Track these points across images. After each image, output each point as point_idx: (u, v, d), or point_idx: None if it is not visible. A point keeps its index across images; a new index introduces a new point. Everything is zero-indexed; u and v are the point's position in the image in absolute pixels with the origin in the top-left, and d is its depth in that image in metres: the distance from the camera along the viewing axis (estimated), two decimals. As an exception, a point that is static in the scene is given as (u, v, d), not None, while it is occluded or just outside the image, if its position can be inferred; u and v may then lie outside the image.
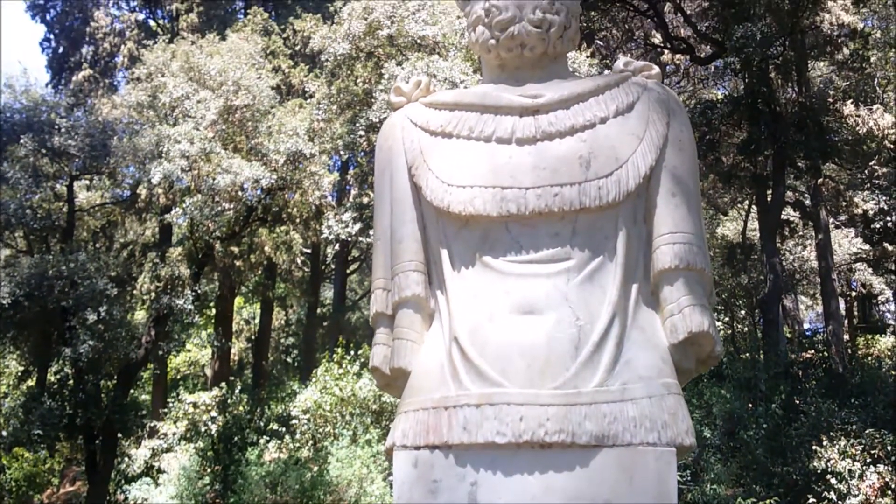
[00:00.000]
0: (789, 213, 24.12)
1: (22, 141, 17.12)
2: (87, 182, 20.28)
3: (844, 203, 22.96)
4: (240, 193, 17.44)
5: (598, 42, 21.55)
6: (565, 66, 3.07)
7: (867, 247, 24.58)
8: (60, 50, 28.31)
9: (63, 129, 17.28)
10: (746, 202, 25.81)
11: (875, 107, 19.81)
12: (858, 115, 19.17)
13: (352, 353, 17.41)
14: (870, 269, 26.48)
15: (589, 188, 2.67)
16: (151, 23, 29.02)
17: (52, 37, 28.55)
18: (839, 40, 19.97)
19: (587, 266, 2.68)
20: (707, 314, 2.70)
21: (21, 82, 20.85)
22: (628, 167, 2.72)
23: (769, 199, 19.64)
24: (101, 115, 19.94)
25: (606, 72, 3.34)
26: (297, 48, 26.00)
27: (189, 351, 31.15)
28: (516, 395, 2.52)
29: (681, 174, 2.82)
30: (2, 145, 17.77)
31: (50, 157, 17.83)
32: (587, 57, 16.94)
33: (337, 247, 24.16)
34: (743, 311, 29.21)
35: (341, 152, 20.05)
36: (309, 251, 27.70)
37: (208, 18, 26.98)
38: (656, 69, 3.06)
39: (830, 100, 20.00)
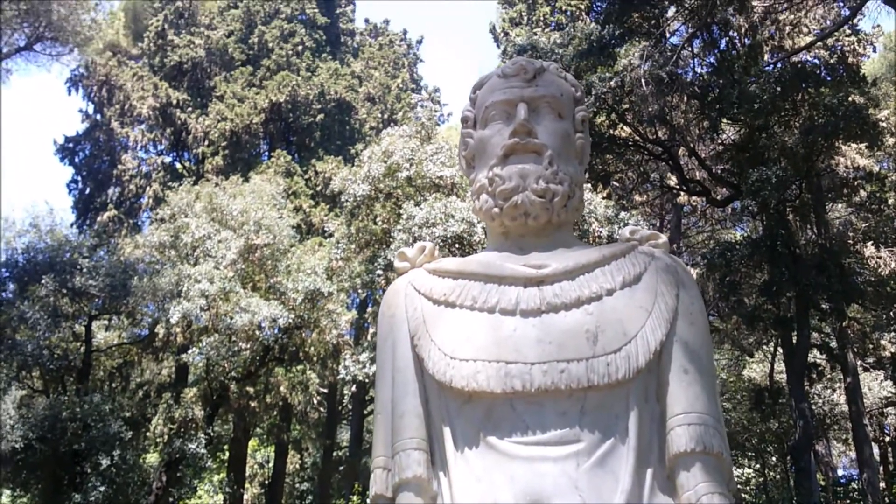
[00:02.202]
0: (816, 356, 23.62)
1: (43, 281, 17.26)
2: (106, 322, 20.29)
3: (871, 345, 22.52)
4: (257, 333, 17.36)
5: (615, 183, 21.81)
6: (570, 233, 3.01)
7: (897, 390, 23.93)
8: (87, 191, 29.05)
9: (84, 270, 17.45)
10: (772, 344, 25.36)
11: (896, 248, 19.72)
12: (880, 257, 19.05)
13: (369, 500, 16.71)
14: (902, 413, 25.68)
15: (597, 364, 2.51)
16: (178, 165, 29.87)
17: (79, 178, 29.35)
18: (855, 183, 20.10)
19: (598, 449, 2.47)
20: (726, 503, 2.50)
21: (47, 222, 21.27)
22: (637, 342, 2.58)
23: (794, 341, 19.25)
24: (123, 256, 20.19)
25: (618, 233, 3.30)
26: (318, 188, 26.57)
27: (200, 497, 30.21)
28: None
29: (693, 348, 2.68)
30: (23, 285, 17.90)
31: (70, 297, 17.93)
32: (603, 198, 17.10)
33: (354, 388, 23.76)
34: (774, 458, 28.19)
35: (359, 291, 20.03)
36: (325, 391, 27.28)
37: (233, 161, 27.78)
38: (663, 238, 2.99)
39: (850, 241, 19.94)
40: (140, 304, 17.92)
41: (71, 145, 29.46)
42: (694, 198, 23.08)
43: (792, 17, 20.70)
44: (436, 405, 2.70)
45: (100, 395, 16.54)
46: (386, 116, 31.94)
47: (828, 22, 21.35)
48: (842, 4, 20.82)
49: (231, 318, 16.49)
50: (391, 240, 17.03)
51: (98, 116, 29.56)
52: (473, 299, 2.71)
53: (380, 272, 16.98)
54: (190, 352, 17.61)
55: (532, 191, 2.78)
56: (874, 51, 23.17)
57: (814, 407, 22.42)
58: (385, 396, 2.82)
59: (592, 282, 2.69)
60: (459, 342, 2.63)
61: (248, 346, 17.37)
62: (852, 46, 20.38)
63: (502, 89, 2.96)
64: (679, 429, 2.54)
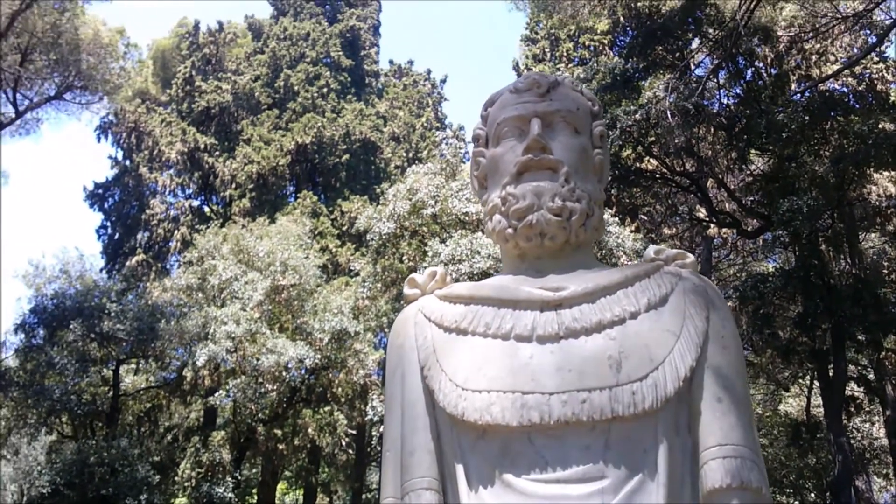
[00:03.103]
0: (853, 389, 23.03)
1: (71, 326, 17.34)
2: (134, 366, 20.31)
3: (911, 377, 21.88)
4: (284, 374, 17.24)
5: (643, 217, 21.58)
6: (590, 255, 2.84)
7: (940, 422, 23.19)
8: (116, 236, 29.37)
9: (112, 314, 17.51)
10: (808, 377, 24.77)
11: (933, 277, 19.26)
12: (916, 287, 18.58)
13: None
14: (946, 446, 24.87)
15: (621, 394, 2.33)
16: (206, 209, 30.11)
17: (108, 224, 29.71)
18: (888, 211, 19.71)
19: (625, 486, 2.27)
20: None
21: (77, 268, 21.47)
22: (665, 369, 2.38)
23: (831, 374, 18.74)
24: (150, 299, 20.26)
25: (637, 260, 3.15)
26: (344, 228, 26.61)
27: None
28: None
29: (727, 375, 2.47)
30: (52, 331, 17.99)
31: (98, 341, 17.98)
32: (631, 231, 16.88)
33: (382, 428, 23.48)
34: (813, 494, 27.39)
35: (386, 330, 19.89)
36: (354, 432, 27.02)
37: (260, 203, 27.97)
38: (691, 257, 2.79)
39: (885, 271, 19.49)
40: (167, 347, 17.92)
41: (100, 191, 29.88)
42: (724, 230, 22.73)
43: (818, 45, 20.50)
44: (448, 441, 2.50)
45: (128, 440, 16.49)
46: (411, 155, 32.05)
47: (854, 50, 21.13)
48: (868, 32, 20.63)
49: (258, 360, 16.40)
50: (418, 278, 16.88)
51: (127, 162, 30.00)
52: (486, 325, 2.54)
53: (406, 311, 16.80)
54: (217, 394, 17.53)
55: (548, 209, 2.62)
56: (903, 77, 22.87)
57: (853, 441, 21.82)
58: (394, 432, 2.64)
59: (615, 304, 2.51)
60: (472, 372, 2.46)
61: (275, 387, 17.25)
62: (881, 74, 20.13)
63: (514, 105, 2.82)
64: (713, 462, 2.34)
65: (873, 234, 22.18)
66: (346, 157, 30.15)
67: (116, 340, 18.02)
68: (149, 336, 17.53)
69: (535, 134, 2.69)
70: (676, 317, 2.51)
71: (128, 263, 27.52)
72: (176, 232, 28.00)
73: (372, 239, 18.93)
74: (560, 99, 2.81)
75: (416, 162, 28.05)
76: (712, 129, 18.64)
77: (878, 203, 19.27)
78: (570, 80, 3.00)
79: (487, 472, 2.37)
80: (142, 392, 21.84)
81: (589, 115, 2.90)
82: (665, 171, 19.86)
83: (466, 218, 17.51)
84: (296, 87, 31.87)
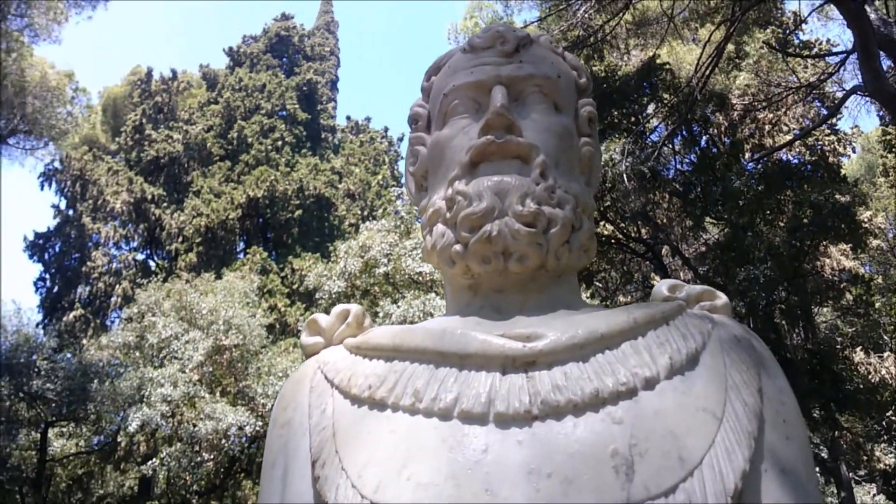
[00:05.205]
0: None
1: (-2, 384, 16.38)
2: (64, 429, 19.26)
3: (865, 457, 21.81)
4: (223, 442, 16.36)
5: (597, 284, 21.36)
6: (575, 287, 1.88)
7: (892, 504, 23.12)
8: (55, 289, 28.26)
9: (42, 372, 16.57)
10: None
11: (886, 354, 19.31)
12: (870, 363, 18.58)
13: None
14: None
15: None
16: (151, 263, 29.24)
17: (47, 276, 28.62)
18: (842, 286, 19.79)
19: None
20: None
21: (13, 322, 20.44)
22: (704, 474, 1.41)
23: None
24: (86, 357, 19.32)
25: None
26: (294, 287, 25.94)
27: None
28: None
29: (796, 478, 1.54)
30: (-24, 389, 16.98)
31: (27, 401, 16.99)
32: (587, 297, 16.58)
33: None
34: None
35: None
36: None
37: (207, 258, 27.23)
38: (723, 298, 1.86)
39: (839, 346, 19.49)
40: (100, 409, 16.98)
41: (41, 241, 28.84)
42: (679, 298, 22.61)
43: (771, 115, 20.78)
44: None
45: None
46: (366, 213, 31.67)
47: (807, 121, 21.48)
48: (820, 105, 20.98)
49: (195, 426, 15.54)
50: (366, 341, 16.37)
51: (70, 212, 29.07)
52: (416, 395, 1.55)
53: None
54: (149, 463, 16.57)
55: (515, 216, 1.69)
56: (853, 151, 23.29)
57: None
58: None
59: (619, 364, 1.55)
60: (389, 474, 1.47)
61: (213, 456, 16.35)
62: (832, 146, 20.43)
63: (469, 68, 1.91)
64: None
65: (826, 308, 22.25)
66: (300, 212, 29.65)
67: (46, 401, 17.04)
68: (80, 397, 16.59)
69: (499, 106, 1.78)
70: (715, 387, 1.58)
71: (65, 318, 26.43)
72: (117, 286, 27.06)
73: (321, 298, 18.42)
74: (534, 61, 1.92)
75: (371, 220, 27.69)
76: (667, 196, 18.61)
77: (830, 276, 19.32)
78: (549, 39, 2.07)
79: None
80: (72, 458, 20.68)
81: (574, 88, 2.01)
82: (620, 236, 19.74)
83: (420, 278, 17.16)
84: (249, 139, 31.41)
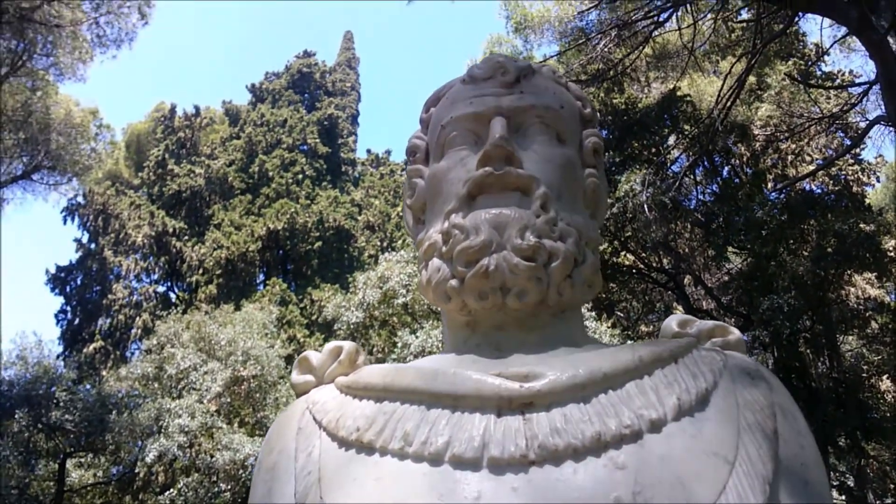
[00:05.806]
0: (834, 498, 22.38)
1: (17, 416, 16.44)
2: (82, 460, 19.26)
3: (892, 485, 21.33)
4: (240, 472, 16.24)
5: (619, 313, 21.18)
6: (578, 325, 1.80)
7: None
8: (76, 321, 28.43)
9: (61, 403, 16.61)
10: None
11: (913, 384, 18.96)
12: (896, 392, 18.25)
13: None
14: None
15: None
16: (171, 295, 29.37)
17: (68, 308, 28.82)
18: (867, 314, 19.51)
19: None
20: None
21: (35, 354, 20.55)
22: None
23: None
24: (105, 389, 19.35)
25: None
26: (313, 318, 25.94)
27: None
28: None
29: None
30: (-3, 420, 17.07)
31: (46, 433, 17.02)
32: (608, 327, 16.41)
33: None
34: None
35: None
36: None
37: (227, 290, 27.33)
38: (736, 333, 1.80)
39: (864, 375, 19.15)
40: (118, 440, 16.95)
41: (63, 275, 29.08)
42: (701, 328, 22.34)
43: (794, 146, 20.65)
44: None
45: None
46: (385, 244, 31.71)
47: (830, 151, 21.31)
48: (843, 135, 20.84)
49: (212, 457, 15.44)
50: (386, 371, 16.29)
51: (92, 245, 29.32)
52: (405, 438, 1.47)
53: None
54: (167, 493, 16.46)
55: (514, 250, 1.64)
56: (878, 180, 23.09)
57: (838, 554, 21.01)
58: None
59: (623, 406, 1.47)
60: None
61: (230, 487, 16.23)
62: (856, 175, 20.25)
63: (468, 99, 1.89)
64: None
65: (851, 337, 21.94)
66: (319, 244, 29.75)
67: (64, 432, 17.06)
68: (98, 428, 16.61)
69: (497, 137, 1.75)
70: (726, 429, 1.48)
71: (85, 350, 26.53)
72: (138, 318, 27.19)
73: (340, 328, 18.36)
74: (536, 91, 1.90)
75: (390, 251, 27.73)
76: (689, 226, 18.48)
77: (855, 305, 19.04)
78: (551, 69, 2.05)
79: None
80: (90, 488, 20.63)
81: (577, 118, 1.99)
82: (642, 266, 19.60)
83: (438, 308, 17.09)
84: (270, 173, 31.66)
